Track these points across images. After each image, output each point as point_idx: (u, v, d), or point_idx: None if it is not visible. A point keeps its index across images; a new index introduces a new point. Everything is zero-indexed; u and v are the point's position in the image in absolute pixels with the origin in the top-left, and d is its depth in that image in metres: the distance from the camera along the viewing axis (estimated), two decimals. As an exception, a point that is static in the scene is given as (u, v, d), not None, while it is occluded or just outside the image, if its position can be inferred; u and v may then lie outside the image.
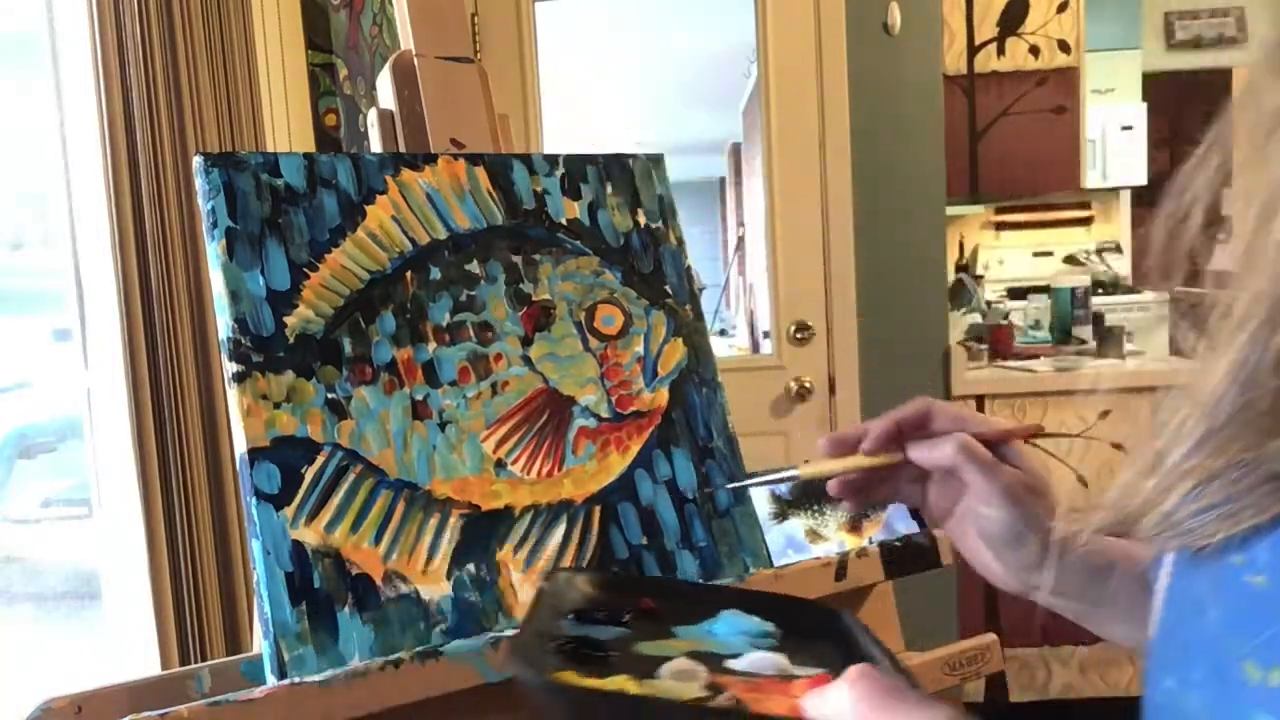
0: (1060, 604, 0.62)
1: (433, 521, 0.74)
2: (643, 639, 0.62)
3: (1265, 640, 0.34)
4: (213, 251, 0.73)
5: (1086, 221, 3.17)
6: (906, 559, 0.84)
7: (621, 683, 0.53)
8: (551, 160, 0.89)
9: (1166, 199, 0.39)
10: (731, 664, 0.58)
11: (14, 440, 2.26)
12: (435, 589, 0.72)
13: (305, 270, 0.76)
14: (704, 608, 0.67)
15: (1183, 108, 3.04)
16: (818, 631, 0.66)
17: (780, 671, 0.57)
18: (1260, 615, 0.34)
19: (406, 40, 0.94)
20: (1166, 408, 0.39)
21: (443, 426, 0.77)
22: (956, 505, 0.63)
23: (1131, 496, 0.40)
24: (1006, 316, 3.01)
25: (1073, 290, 2.80)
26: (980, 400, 2.44)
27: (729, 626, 0.65)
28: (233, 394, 0.71)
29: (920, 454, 0.62)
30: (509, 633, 0.71)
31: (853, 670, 0.42)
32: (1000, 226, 3.21)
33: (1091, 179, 2.94)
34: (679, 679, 0.55)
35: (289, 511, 0.69)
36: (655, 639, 0.62)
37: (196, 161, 0.75)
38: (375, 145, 0.94)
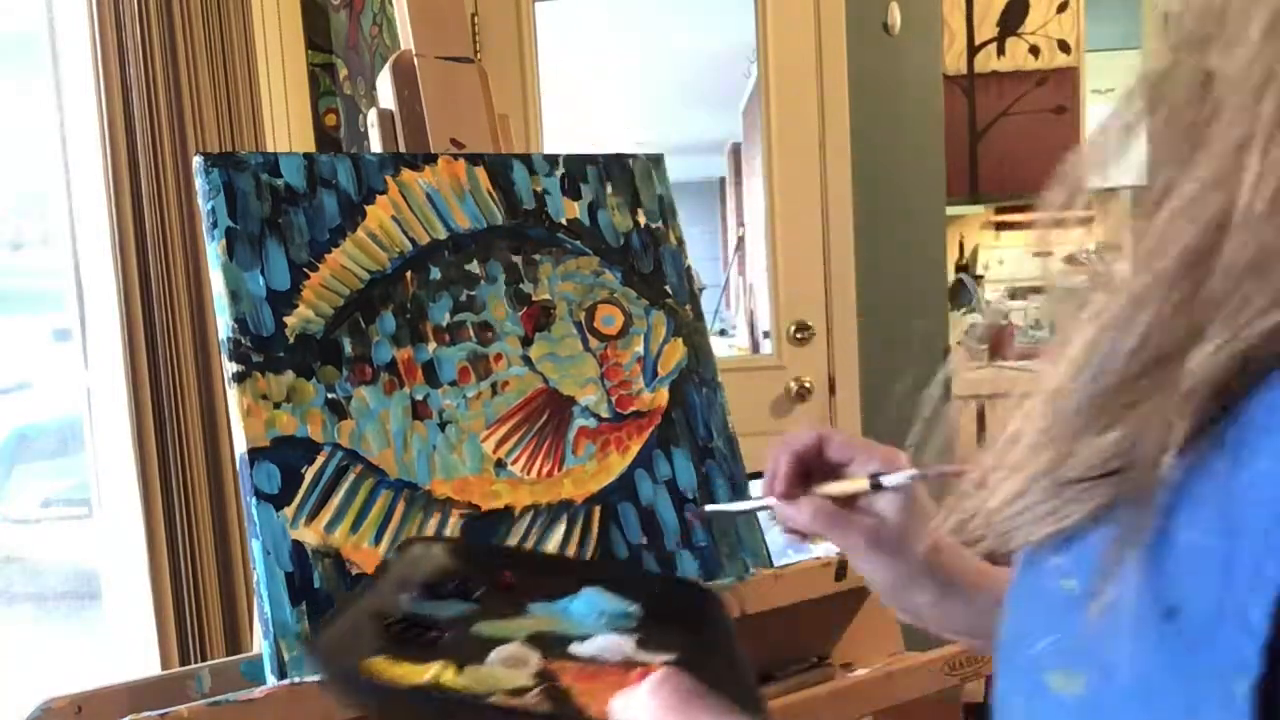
0: (965, 641, 0.62)
1: (433, 521, 0.74)
2: (488, 618, 0.61)
3: (1069, 646, 0.33)
4: (213, 251, 0.73)
5: (1086, 221, 3.17)
6: (906, 559, 0.84)
7: (438, 671, 0.52)
8: (551, 160, 0.89)
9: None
10: (576, 648, 0.57)
11: (14, 440, 2.26)
12: (435, 589, 0.72)
13: (305, 270, 0.76)
14: (565, 583, 0.66)
15: (1183, 108, 3.03)
16: (682, 613, 0.65)
17: (625, 658, 0.56)
18: (1068, 621, 0.33)
19: (406, 40, 0.94)
20: (1014, 405, 0.38)
21: (443, 426, 0.77)
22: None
23: (967, 499, 0.38)
24: (1007, 316, 3.01)
25: (1073, 290, 2.79)
26: (981, 401, 2.44)
27: (587, 605, 0.63)
28: (233, 394, 0.71)
29: (785, 515, 0.63)
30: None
31: (657, 674, 0.41)
32: (1000, 226, 3.21)
33: (1092, 179, 2.93)
34: (506, 666, 0.54)
35: (289, 511, 0.69)
36: (503, 617, 0.61)
37: (196, 161, 0.75)
38: (375, 145, 0.94)
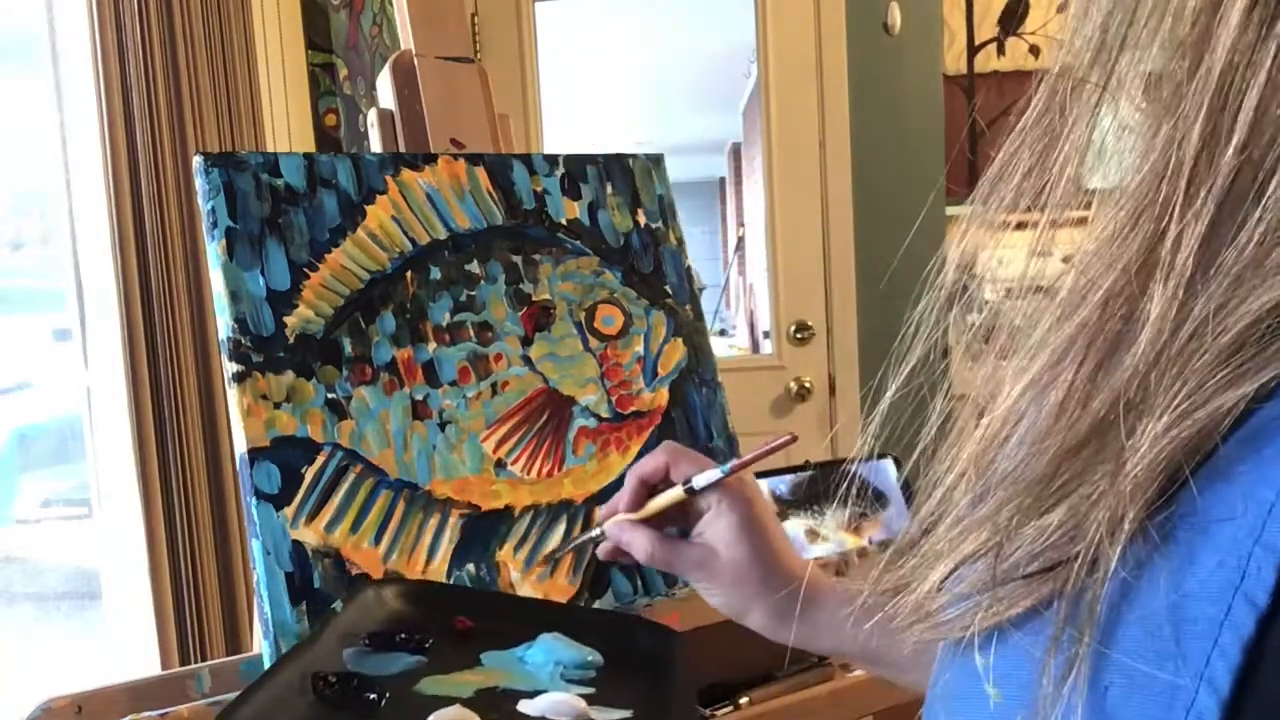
0: (854, 661, 0.62)
1: (433, 521, 0.74)
2: (434, 672, 0.58)
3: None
4: (213, 251, 0.73)
5: (1086, 221, 3.17)
6: (906, 559, 0.84)
7: None
8: (551, 160, 0.89)
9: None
10: (525, 705, 0.55)
11: (14, 440, 2.26)
12: (435, 589, 0.72)
13: (305, 270, 0.76)
14: (523, 629, 0.63)
15: (1183, 108, 3.03)
16: (643, 658, 0.63)
17: (576, 717, 0.54)
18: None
19: (406, 40, 0.94)
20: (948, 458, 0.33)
21: (443, 426, 0.77)
22: None
23: (892, 574, 0.34)
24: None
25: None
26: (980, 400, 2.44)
27: (545, 653, 0.61)
28: (233, 394, 0.71)
29: (625, 543, 0.64)
30: None
31: None
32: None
33: (1092, 179, 2.93)
34: None
35: (289, 511, 0.69)
36: (452, 670, 0.58)
37: (196, 161, 0.75)
38: (375, 145, 0.94)
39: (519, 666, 0.61)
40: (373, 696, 0.53)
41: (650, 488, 0.64)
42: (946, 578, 0.30)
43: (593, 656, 0.62)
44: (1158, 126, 0.26)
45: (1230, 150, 0.25)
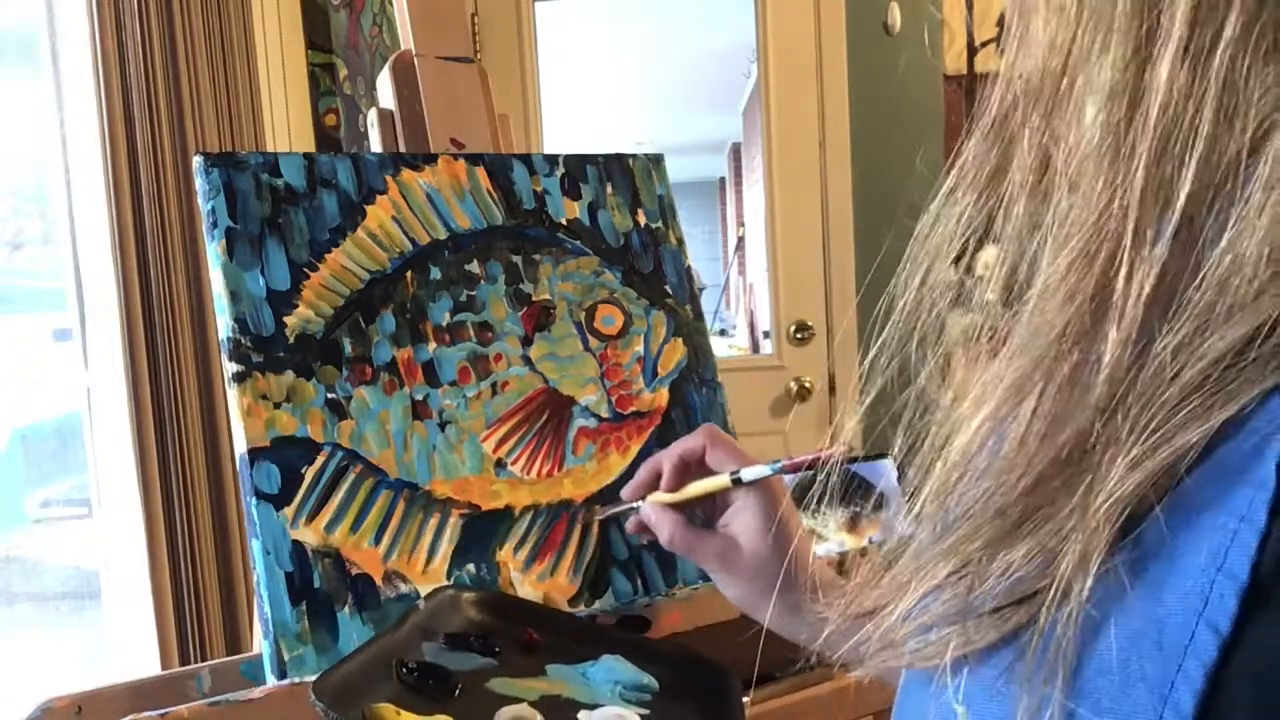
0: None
1: (433, 521, 0.74)
2: (504, 674, 0.61)
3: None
4: (213, 251, 0.73)
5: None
6: (906, 559, 0.84)
7: None
8: (551, 160, 0.89)
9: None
10: (585, 715, 0.58)
11: (14, 440, 2.26)
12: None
13: (305, 270, 0.76)
14: (587, 649, 0.66)
15: (1183, 108, 3.03)
16: (699, 690, 0.64)
17: None
18: None
19: (406, 40, 0.94)
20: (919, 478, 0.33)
21: (443, 426, 0.77)
22: None
23: (861, 601, 0.34)
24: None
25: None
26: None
27: (605, 672, 0.63)
28: (233, 394, 0.71)
29: (649, 521, 0.66)
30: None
31: None
32: (1000, 226, 3.21)
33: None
34: None
35: (289, 511, 0.69)
36: (519, 675, 0.61)
37: (196, 161, 0.75)
38: (375, 145, 0.94)
39: (581, 680, 0.63)
40: (450, 685, 0.57)
41: (688, 469, 0.65)
42: (912, 608, 0.30)
43: (649, 681, 0.63)
44: (1103, 164, 0.26)
45: (1181, 196, 0.25)
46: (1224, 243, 0.24)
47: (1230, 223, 0.24)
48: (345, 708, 0.52)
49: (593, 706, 0.59)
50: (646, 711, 0.60)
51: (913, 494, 0.32)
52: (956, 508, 0.30)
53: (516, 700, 0.58)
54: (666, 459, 0.66)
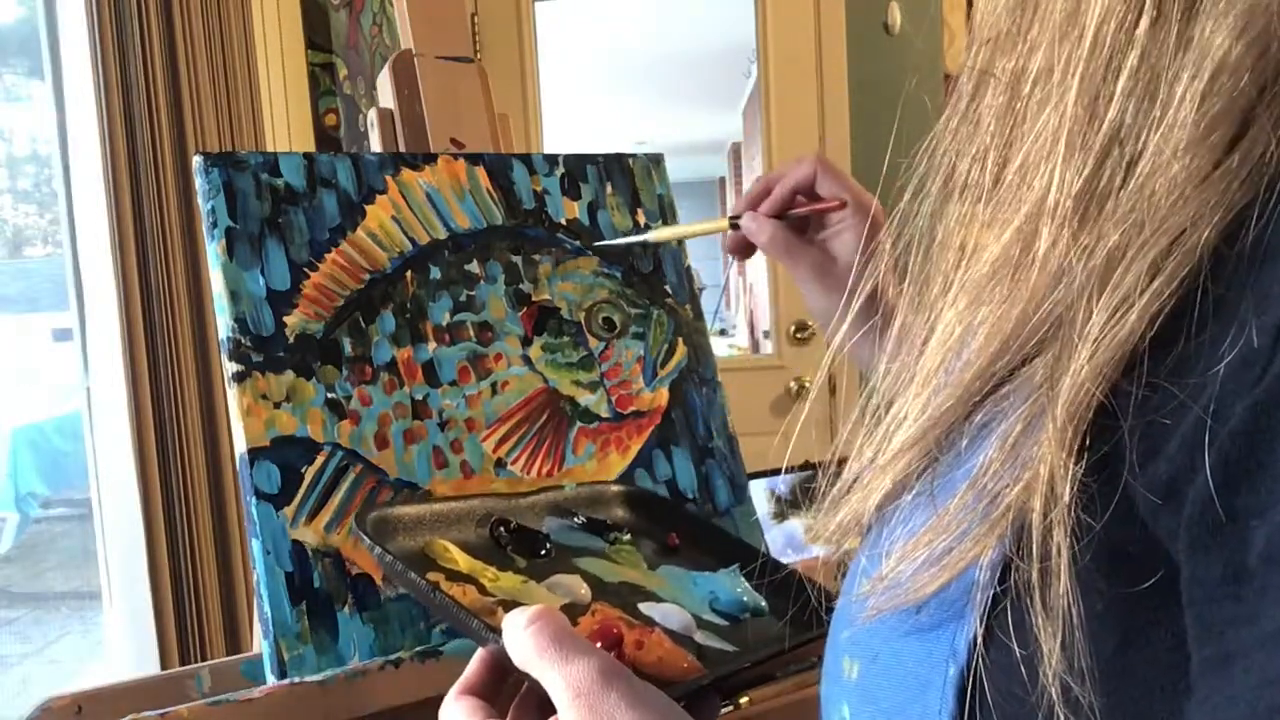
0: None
1: (433, 521, 0.74)
2: (604, 558, 0.60)
3: (855, 634, 0.34)
4: (213, 251, 0.73)
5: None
6: (906, 559, 0.84)
7: (508, 578, 0.53)
8: (551, 160, 0.89)
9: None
10: (644, 605, 0.56)
11: (14, 440, 2.26)
12: (435, 589, 0.72)
13: (305, 270, 0.76)
14: (719, 561, 0.64)
15: (1183, 108, 3.03)
16: (795, 632, 0.63)
17: (680, 628, 0.54)
18: (860, 605, 0.33)
19: (406, 40, 0.94)
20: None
21: (443, 426, 0.77)
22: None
23: (833, 513, 0.37)
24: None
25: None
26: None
27: (712, 584, 0.61)
28: (233, 394, 0.71)
29: (749, 230, 0.71)
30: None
31: (539, 608, 0.41)
32: (1000, 226, 3.21)
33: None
34: (552, 590, 0.54)
35: (289, 511, 0.69)
36: (623, 564, 0.60)
37: (196, 161, 0.75)
38: (375, 145, 0.94)
39: (684, 583, 0.61)
40: (537, 549, 0.57)
41: (793, 198, 0.70)
42: (883, 506, 0.34)
43: (751, 600, 0.60)
44: (1045, 98, 0.29)
45: (1105, 123, 0.27)
46: (1144, 152, 0.26)
47: (1152, 143, 0.26)
48: (387, 538, 0.53)
49: (662, 602, 0.57)
50: (725, 624, 0.58)
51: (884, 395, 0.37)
52: (924, 395, 0.34)
53: (593, 579, 0.56)
54: (780, 184, 0.70)
